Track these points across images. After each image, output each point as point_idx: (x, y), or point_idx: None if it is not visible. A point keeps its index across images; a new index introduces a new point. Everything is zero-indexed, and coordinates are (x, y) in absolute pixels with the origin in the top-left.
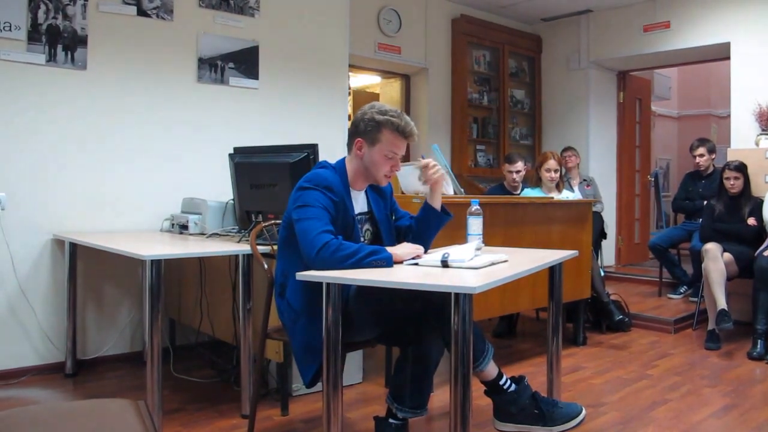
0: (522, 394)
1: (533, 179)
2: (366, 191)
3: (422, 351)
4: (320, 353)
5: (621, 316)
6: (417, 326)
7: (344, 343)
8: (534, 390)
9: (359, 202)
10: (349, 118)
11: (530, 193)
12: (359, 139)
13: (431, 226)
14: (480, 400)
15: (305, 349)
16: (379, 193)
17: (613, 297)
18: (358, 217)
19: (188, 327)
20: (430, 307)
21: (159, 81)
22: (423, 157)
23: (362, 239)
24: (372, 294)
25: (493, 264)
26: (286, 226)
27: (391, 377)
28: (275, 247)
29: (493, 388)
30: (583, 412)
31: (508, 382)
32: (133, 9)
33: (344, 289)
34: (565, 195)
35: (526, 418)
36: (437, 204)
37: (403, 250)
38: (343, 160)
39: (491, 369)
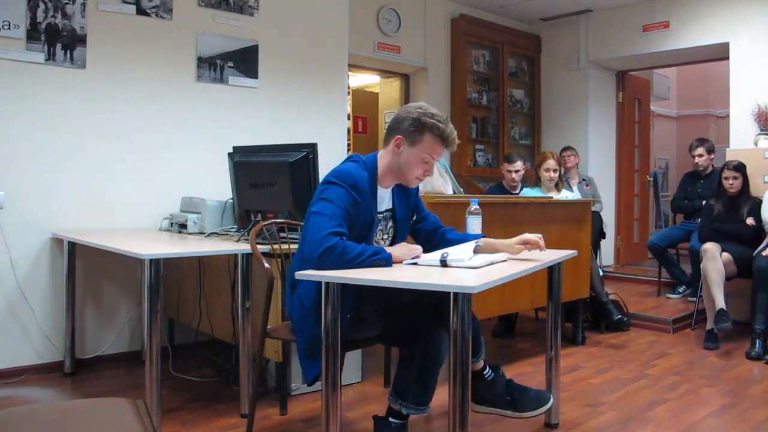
0: (498, 381)
1: (532, 179)
2: (392, 188)
3: (433, 348)
4: None
5: (620, 316)
6: (429, 322)
7: (350, 340)
8: (508, 378)
9: (385, 200)
10: (349, 118)
11: (529, 192)
12: (399, 136)
13: None
14: None
15: (311, 347)
16: (403, 191)
17: (611, 297)
18: (381, 214)
19: (187, 326)
20: (443, 304)
21: (158, 80)
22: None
23: (386, 236)
24: (381, 288)
25: (491, 264)
26: (308, 219)
27: (396, 373)
28: (275, 247)
29: (475, 376)
30: (551, 400)
31: (489, 370)
32: (133, 8)
33: (356, 284)
34: (564, 195)
35: (499, 403)
36: (482, 249)
37: (401, 251)
38: (375, 155)
39: (480, 362)
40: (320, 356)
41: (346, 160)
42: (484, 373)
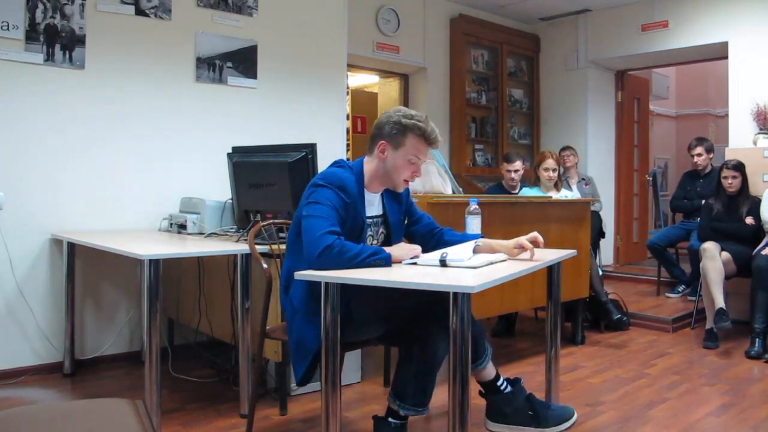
0: (518, 395)
1: (532, 178)
2: (381, 193)
3: (430, 349)
4: (311, 352)
5: (619, 315)
6: (425, 324)
7: (345, 342)
8: (528, 392)
9: (374, 205)
10: (348, 118)
11: (529, 192)
12: (383, 141)
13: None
14: (478, 400)
15: (297, 347)
16: (394, 196)
17: (611, 296)
18: (371, 219)
19: (187, 326)
20: (439, 305)
21: (157, 80)
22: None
23: (375, 242)
24: (379, 291)
25: (491, 263)
26: (297, 222)
27: (395, 374)
28: (274, 247)
29: (489, 388)
30: (575, 415)
31: (505, 383)
32: (131, 8)
33: (347, 286)
34: (564, 194)
35: (520, 418)
36: (480, 249)
37: (400, 251)
38: (361, 161)
39: (490, 369)
40: (307, 357)
41: (332, 165)
42: (500, 385)
